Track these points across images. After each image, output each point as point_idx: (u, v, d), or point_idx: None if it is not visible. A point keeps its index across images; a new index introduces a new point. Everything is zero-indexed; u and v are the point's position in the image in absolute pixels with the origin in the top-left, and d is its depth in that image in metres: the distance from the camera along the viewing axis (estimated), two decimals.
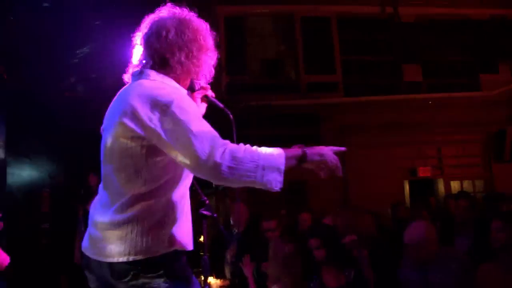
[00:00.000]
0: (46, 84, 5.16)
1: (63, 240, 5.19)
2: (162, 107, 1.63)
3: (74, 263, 4.98)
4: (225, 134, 1.70)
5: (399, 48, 10.05)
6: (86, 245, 1.81)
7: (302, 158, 1.70)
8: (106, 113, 1.82)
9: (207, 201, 2.05)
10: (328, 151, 1.76)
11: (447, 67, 10.34)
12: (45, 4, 5.07)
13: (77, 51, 5.31)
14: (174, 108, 1.62)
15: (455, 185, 10.24)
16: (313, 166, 1.74)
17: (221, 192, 8.55)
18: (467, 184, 10.25)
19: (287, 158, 1.66)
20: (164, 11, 1.88)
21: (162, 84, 1.75)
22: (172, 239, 1.73)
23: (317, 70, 9.81)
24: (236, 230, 4.79)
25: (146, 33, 1.85)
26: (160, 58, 1.81)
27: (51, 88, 5.18)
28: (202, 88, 2.00)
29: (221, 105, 2.03)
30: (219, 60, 2.01)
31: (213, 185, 6.85)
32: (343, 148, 1.83)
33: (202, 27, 1.90)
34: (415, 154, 10.01)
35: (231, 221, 5.16)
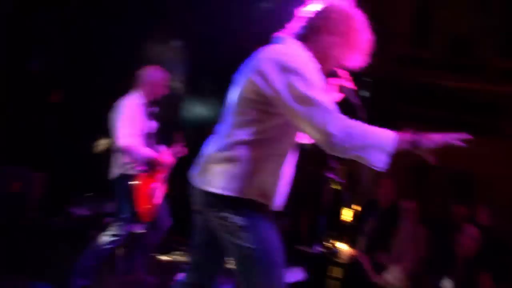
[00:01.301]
0: (227, 34, 5.59)
1: None
2: (288, 72, 1.78)
3: None
4: None
5: None
6: (192, 172, 2.07)
7: (415, 144, 1.75)
8: (242, 66, 2.01)
9: (336, 166, 2.12)
10: (439, 138, 1.78)
11: None
12: None
13: (260, 5, 5.58)
14: (299, 75, 1.77)
15: None
16: (424, 151, 1.79)
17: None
18: None
19: (399, 142, 1.74)
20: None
21: (295, 52, 1.90)
22: (261, 190, 1.92)
23: None
24: (381, 206, 4.71)
25: (314, 10, 2.00)
26: (313, 31, 1.97)
27: (230, 38, 5.57)
28: (340, 76, 2.10)
29: (356, 100, 2.07)
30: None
31: None
32: (465, 135, 1.78)
33: (362, 27, 2.01)
34: None
35: (377, 195, 5.07)
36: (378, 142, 1.73)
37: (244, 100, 1.91)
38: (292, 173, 2.07)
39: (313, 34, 1.96)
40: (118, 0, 6.11)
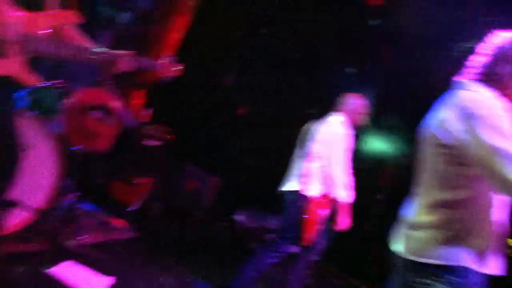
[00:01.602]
0: (421, 73, 5.33)
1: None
2: (470, 119, 1.67)
3: None
4: None
5: None
6: (393, 236, 1.99)
7: None
8: (427, 116, 1.93)
9: None
10: None
11: None
12: None
13: (459, 45, 5.16)
14: (483, 122, 1.64)
15: None
16: None
17: None
18: None
19: None
20: None
21: (478, 97, 1.75)
22: (471, 254, 1.73)
23: None
24: None
25: (497, 43, 1.85)
26: (498, 65, 1.82)
27: (424, 78, 5.29)
28: None
29: None
30: None
31: None
32: None
33: None
34: None
35: None
36: None
37: (431, 155, 1.83)
38: (506, 231, 1.83)
39: (498, 69, 1.81)
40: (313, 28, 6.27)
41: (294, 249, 3.81)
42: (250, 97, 6.86)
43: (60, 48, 2.01)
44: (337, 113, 3.84)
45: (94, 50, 2.21)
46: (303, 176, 3.65)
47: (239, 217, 5.86)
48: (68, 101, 3.51)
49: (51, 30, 2.02)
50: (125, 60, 2.32)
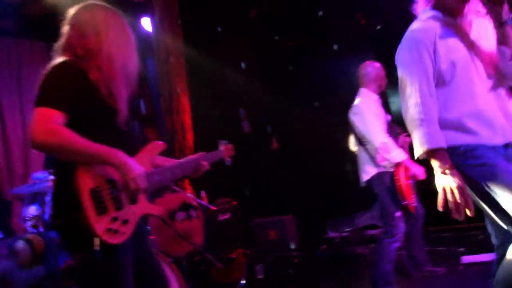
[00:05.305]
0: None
1: None
2: None
3: None
4: None
5: None
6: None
7: None
8: None
9: None
10: None
11: None
12: None
13: None
14: None
15: None
16: None
17: None
18: None
19: None
20: None
21: None
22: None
23: None
24: None
25: None
26: None
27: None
28: None
29: None
30: None
31: None
32: None
33: None
34: None
35: None
36: None
37: None
38: None
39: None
40: None
41: (404, 225, 3.78)
42: None
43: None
44: (365, 86, 3.87)
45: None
46: (372, 157, 3.68)
47: (332, 234, 5.91)
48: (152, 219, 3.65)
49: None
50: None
